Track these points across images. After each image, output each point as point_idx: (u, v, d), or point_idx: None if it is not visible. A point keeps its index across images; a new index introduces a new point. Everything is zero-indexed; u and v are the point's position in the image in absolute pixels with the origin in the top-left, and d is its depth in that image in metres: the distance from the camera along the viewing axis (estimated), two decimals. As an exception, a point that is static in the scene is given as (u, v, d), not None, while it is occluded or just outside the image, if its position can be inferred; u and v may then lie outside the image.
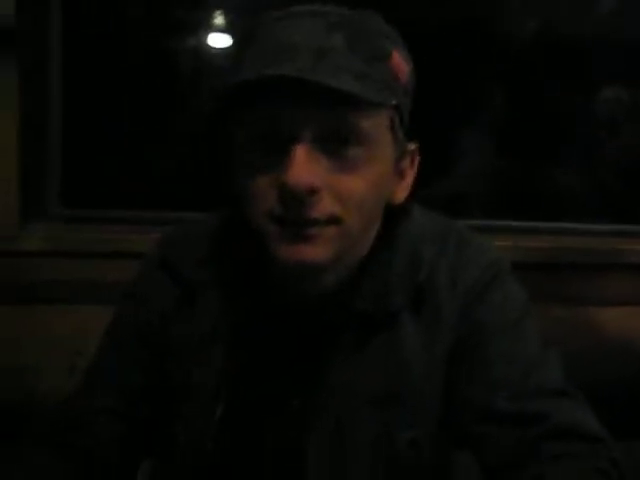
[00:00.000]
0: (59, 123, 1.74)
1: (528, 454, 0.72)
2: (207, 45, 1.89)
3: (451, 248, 0.81)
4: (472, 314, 0.79)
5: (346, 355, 0.78)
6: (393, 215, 0.79)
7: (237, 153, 0.75)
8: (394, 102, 0.71)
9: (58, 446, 0.82)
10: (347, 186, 0.70)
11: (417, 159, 0.80)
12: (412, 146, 0.79)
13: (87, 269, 1.61)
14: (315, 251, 0.70)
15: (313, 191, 0.67)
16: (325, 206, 0.69)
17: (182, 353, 0.83)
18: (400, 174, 0.78)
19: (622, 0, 2.05)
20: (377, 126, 0.71)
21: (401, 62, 0.73)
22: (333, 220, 0.70)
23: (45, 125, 1.71)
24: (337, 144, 0.69)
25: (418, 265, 0.79)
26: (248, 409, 0.80)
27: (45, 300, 1.62)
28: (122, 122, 1.83)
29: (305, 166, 0.67)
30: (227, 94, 0.71)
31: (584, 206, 2.02)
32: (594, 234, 1.85)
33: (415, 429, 0.79)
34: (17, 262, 1.60)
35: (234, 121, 0.75)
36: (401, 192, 0.79)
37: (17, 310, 1.61)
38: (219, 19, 1.89)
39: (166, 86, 1.87)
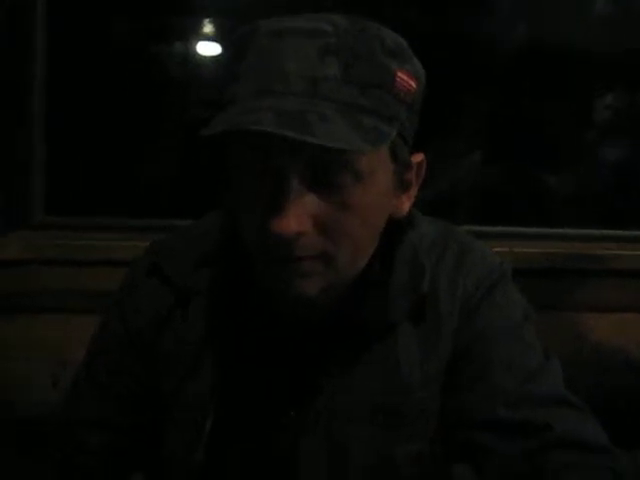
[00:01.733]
0: (42, 127, 1.70)
1: (530, 466, 0.70)
2: (195, 52, 1.87)
3: (451, 255, 0.80)
4: (471, 321, 0.77)
5: (343, 366, 0.76)
6: (395, 224, 0.76)
7: (232, 176, 0.71)
8: (393, 134, 0.66)
9: (53, 462, 0.82)
10: (340, 224, 0.66)
11: (423, 169, 0.76)
12: (418, 157, 0.75)
13: (71, 278, 1.58)
14: (304, 284, 0.67)
15: (300, 235, 0.64)
16: (314, 245, 0.66)
17: (173, 361, 0.81)
18: (403, 187, 0.74)
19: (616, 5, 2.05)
20: (374, 159, 0.67)
21: (407, 80, 0.68)
22: (323, 257, 0.67)
23: (27, 130, 1.68)
24: (329, 180, 0.65)
25: (420, 274, 0.77)
26: (241, 419, 0.77)
27: (28, 310, 1.58)
28: (108, 128, 1.80)
29: (292, 212, 0.63)
30: (205, 134, 0.64)
31: (580, 211, 2.01)
32: (590, 239, 1.84)
33: (415, 443, 0.77)
34: (-2, 271, 1.57)
35: (226, 142, 0.70)
36: (405, 203, 0.76)
37: (-1, 320, 1.58)
38: (208, 26, 1.87)
39: (153, 92, 1.85)
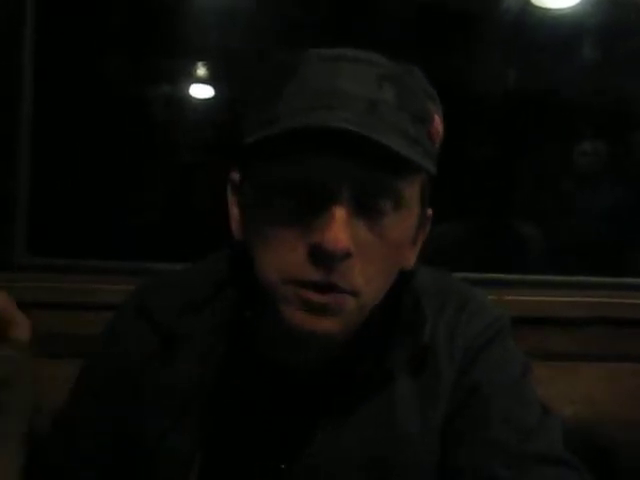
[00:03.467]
0: (27, 168, 1.68)
1: None
2: (188, 95, 1.88)
3: (451, 306, 0.79)
4: (470, 374, 0.75)
5: (338, 416, 0.74)
6: (398, 276, 0.75)
7: (256, 202, 0.69)
8: (433, 169, 0.67)
9: None
10: (375, 255, 0.66)
11: (429, 225, 0.77)
12: (429, 212, 0.76)
13: (53, 321, 1.53)
14: (329, 323, 0.66)
15: (348, 256, 0.63)
16: (352, 276, 0.65)
17: (158, 407, 0.78)
18: (414, 240, 0.75)
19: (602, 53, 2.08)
20: (413, 193, 0.68)
21: (439, 127, 0.69)
22: (353, 292, 0.65)
23: (12, 169, 1.66)
24: (374, 207, 0.65)
25: (421, 325, 0.76)
26: (228, 473, 0.75)
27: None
28: (94, 168, 1.79)
29: (344, 228, 0.62)
30: (262, 137, 0.64)
31: (568, 259, 2.01)
32: (580, 287, 1.83)
33: None
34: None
35: (260, 165, 0.68)
36: (412, 257, 0.76)
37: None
38: (201, 69, 1.88)
39: (141, 134, 1.84)
